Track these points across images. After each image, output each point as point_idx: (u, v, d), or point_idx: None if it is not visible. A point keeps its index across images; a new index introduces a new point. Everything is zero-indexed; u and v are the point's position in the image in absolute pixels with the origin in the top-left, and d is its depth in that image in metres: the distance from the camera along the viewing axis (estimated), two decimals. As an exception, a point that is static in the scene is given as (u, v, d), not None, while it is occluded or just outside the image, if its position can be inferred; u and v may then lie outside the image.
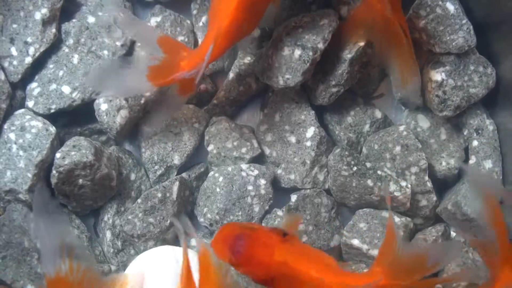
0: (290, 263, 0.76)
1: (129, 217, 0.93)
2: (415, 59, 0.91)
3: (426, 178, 0.95)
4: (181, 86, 0.87)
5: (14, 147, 0.92)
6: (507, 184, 0.97)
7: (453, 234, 0.98)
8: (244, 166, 0.96)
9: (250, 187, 0.95)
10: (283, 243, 0.77)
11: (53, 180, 0.90)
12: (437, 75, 0.94)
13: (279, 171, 0.98)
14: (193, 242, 0.93)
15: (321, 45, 0.92)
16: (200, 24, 1.00)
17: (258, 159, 0.99)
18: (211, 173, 0.96)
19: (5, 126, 0.94)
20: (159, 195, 0.94)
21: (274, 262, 0.76)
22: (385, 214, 0.95)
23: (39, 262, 0.92)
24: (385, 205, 0.95)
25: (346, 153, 0.95)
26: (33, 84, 0.96)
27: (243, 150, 0.98)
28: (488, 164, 0.96)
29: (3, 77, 0.94)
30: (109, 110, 0.94)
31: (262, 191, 0.95)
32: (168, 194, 0.94)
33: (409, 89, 0.93)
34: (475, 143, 0.97)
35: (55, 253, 0.72)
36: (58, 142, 0.94)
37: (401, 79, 0.92)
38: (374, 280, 0.76)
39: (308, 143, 0.97)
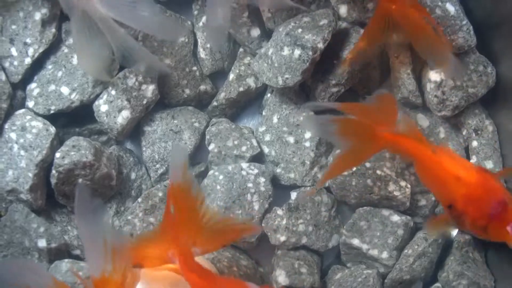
0: None
1: (129, 217, 0.93)
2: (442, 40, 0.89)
3: (425, 178, 0.96)
4: None
5: (15, 146, 0.93)
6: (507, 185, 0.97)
7: (453, 234, 0.98)
8: (244, 165, 0.96)
9: (250, 185, 0.95)
10: None
11: (53, 180, 0.91)
12: (436, 75, 0.94)
13: (278, 170, 0.98)
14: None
15: (321, 45, 0.92)
16: (200, 24, 1.01)
17: (258, 159, 0.99)
18: (211, 171, 0.96)
19: (6, 126, 0.94)
20: (160, 194, 0.94)
21: None
22: (386, 212, 0.95)
23: (39, 260, 0.92)
24: (386, 204, 0.95)
25: (346, 153, 0.95)
26: (33, 85, 0.96)
27: (243, 148, 0.98)
28: (489, 164, 0.96)
29: (4, 77, 0.95)
30: (110, 111, 0.94)
31: (262, 188, 0.95)
32: (169, 193, 0.94)
33: (448, 69, 0.91)
34: (474, 143, 0.97)
35: (100, 253, 0.70)
36: (58, 142, 0.95)
37: (435, 62, 0.91)
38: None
39: (307, 144, 0.97)
